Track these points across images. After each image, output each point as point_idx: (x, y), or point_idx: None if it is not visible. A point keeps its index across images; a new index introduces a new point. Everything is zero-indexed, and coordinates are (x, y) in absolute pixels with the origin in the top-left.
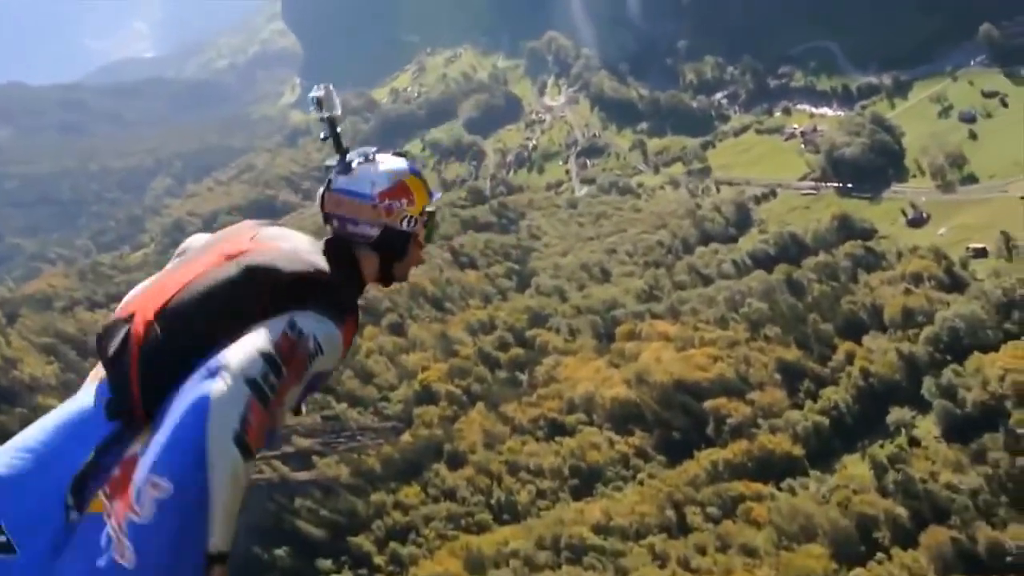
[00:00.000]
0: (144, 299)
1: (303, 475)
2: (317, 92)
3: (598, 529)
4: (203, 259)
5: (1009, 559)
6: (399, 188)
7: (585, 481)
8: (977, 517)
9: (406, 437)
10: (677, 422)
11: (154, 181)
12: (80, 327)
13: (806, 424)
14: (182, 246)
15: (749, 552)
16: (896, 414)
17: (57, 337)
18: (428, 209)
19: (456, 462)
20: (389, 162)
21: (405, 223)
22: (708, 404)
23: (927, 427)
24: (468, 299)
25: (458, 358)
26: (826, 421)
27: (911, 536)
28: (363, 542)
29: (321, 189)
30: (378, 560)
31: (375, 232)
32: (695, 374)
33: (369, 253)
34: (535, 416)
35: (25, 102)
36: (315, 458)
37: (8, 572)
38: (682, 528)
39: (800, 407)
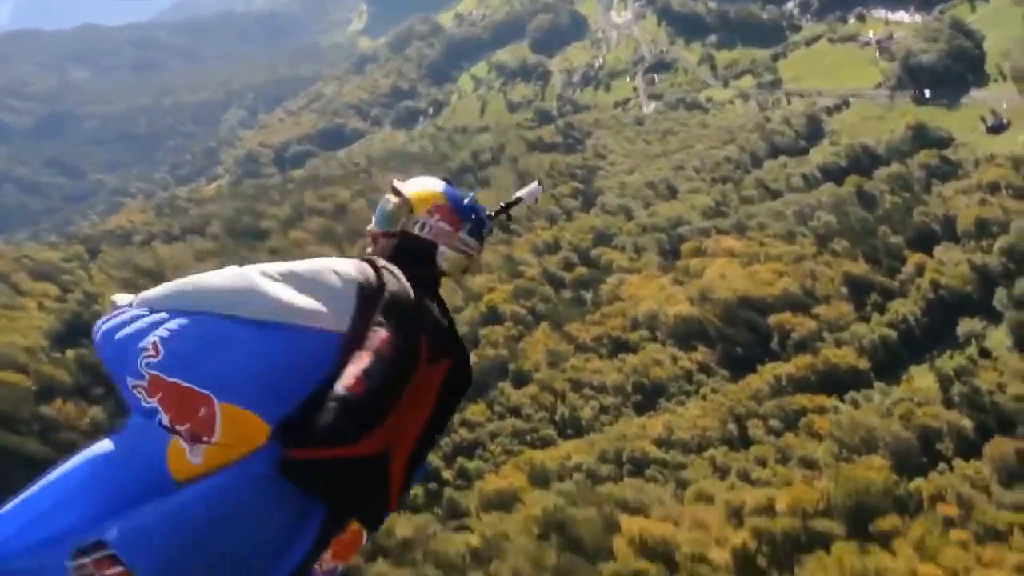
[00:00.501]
0: (397, 440)
1: None
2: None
3: (660, 443)
4: (422, 399)
5: None
6: None
7: (648, 397)
8: None
9: (472, 357)
10: (741, 337)
11: (227, 113)
12: (157, 260)
13: (872, 337)
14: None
15: (809, 464)
16: (966, 325)
17: (135, 271)
18: None
19: (521, 380)
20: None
21: None
22: (772, 319)
23: (998, 338)
24: (534, 220)
25: (523, 279)
26: (893, 334)
27: (975, 447)
28: (432, 458)
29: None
30: (446, 474)
31: None
32: (760, 290)
33: None
34: (599, 334)
35: (100, 43)
36: None
37: None
38: (743, 441)
39: (867, 320)
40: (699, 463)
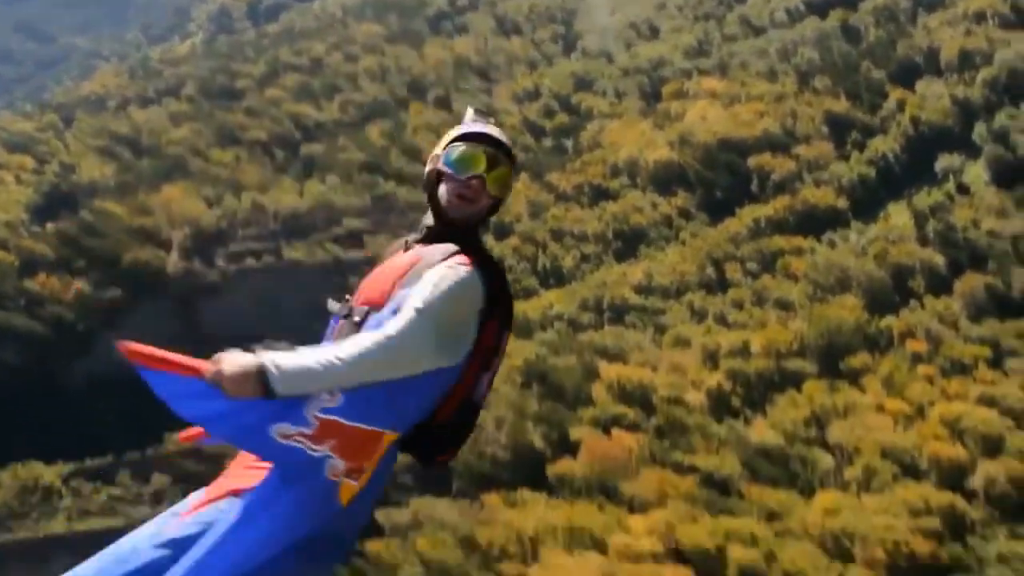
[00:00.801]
0: None
1: (355, 254)
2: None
3: (639, 289)
4: None
5: None
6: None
7: (628, 243)
8: (1015, 262)
9: None
10: (720, 180)
11: None
12: (133, 126)
13: (851, 176)
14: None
15: (784, 306)
16: (944, 161)
17: (112, 138)
18: (450, 140)
19: (502, 232)
20: None
21: (429, 163)
22: (752, 161)
23: (976, 173)
24: (514, 66)
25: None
26: (872, 172)
27: (946, 283)
28: None
29: None
30: None
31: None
32: (740, 131)
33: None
34: (579, 183)
35: None
36: (366, 237)
37: None
38: (721, 284)
39: (846, 159)
40: (677, 308)
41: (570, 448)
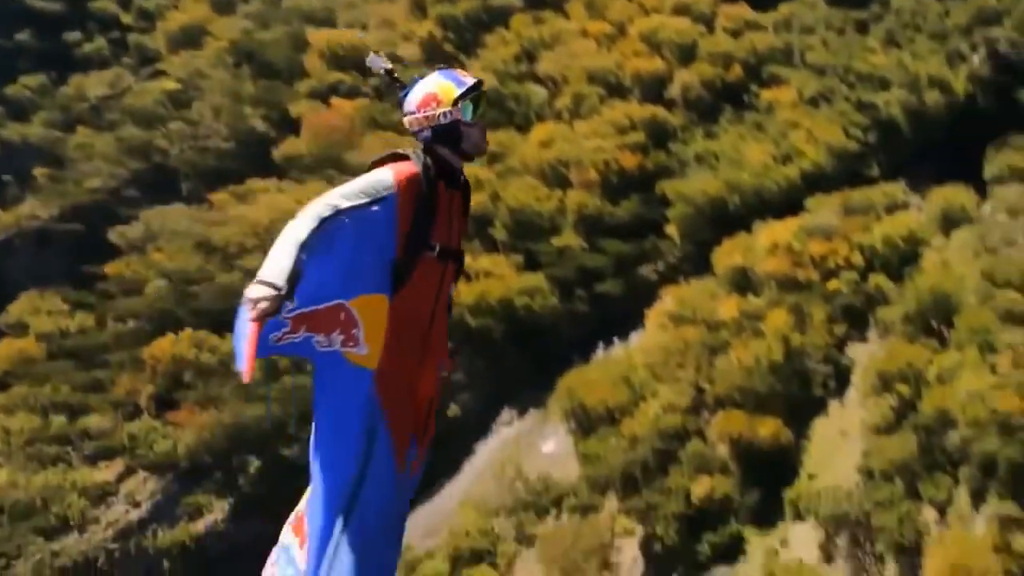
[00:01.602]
0: None
1: None
2: (385, 63)
3: None
4: None
5: None
6: (426, 97)
7: None
8: None
9: None
10: None
11: None
12: None
13: None
14: None
15: None
16: None
17: None
18: (458, 96)
19: None
20: (424, 81)
21: (443, 118)
22: None
23: None
24: None
25: None
26: None
27: None
28: (106, 4)
29: None
30: (126, 19)
31: (429, 134)
32: None
33: (440, 148)
34: None
35: None
36: None
37: None
38: None
39: None
40: None
41: (292, 126)
